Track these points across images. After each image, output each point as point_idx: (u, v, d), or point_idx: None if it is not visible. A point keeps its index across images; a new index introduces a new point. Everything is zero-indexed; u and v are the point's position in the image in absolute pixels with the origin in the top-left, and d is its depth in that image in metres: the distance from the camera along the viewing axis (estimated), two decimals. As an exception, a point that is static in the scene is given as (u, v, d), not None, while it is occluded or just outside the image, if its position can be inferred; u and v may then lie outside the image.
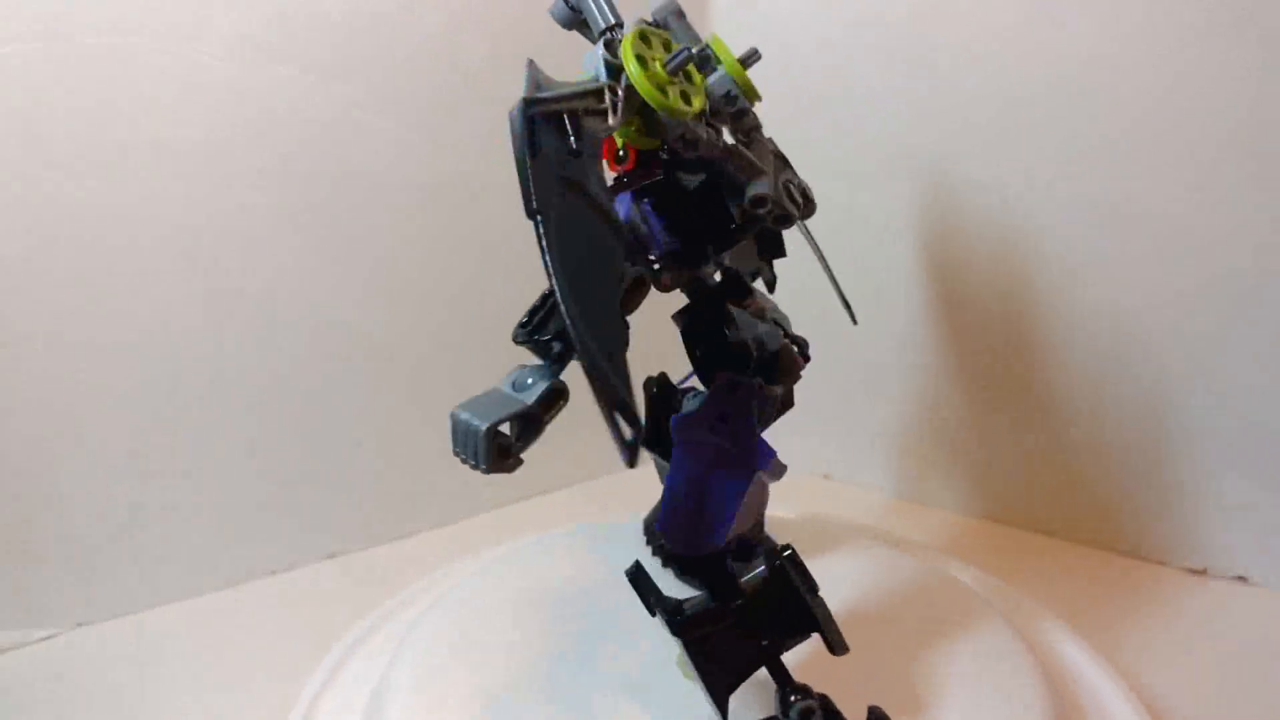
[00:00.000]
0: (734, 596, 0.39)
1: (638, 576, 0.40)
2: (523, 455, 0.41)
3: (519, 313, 0.87)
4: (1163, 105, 0.62)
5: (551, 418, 0.42)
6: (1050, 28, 0.66)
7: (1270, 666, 0.56)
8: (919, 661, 0.47)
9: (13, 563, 0.62)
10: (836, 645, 0.39)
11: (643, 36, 0.38)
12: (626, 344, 0.35)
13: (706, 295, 0.45)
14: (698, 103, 0.39)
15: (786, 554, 0.39)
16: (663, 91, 0.37)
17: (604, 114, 0.36)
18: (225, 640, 0.62)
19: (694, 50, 0.38)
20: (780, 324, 0.46)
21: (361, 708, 0.49)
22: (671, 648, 0.48)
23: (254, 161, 0.67)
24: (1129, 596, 0.64)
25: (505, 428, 0.41)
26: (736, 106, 0.42)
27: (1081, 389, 0.70)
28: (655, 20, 0.45)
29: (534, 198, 0.32)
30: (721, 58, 0.42)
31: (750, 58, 0.43)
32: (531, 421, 0.41)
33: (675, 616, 0.39)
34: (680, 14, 0.45)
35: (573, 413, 0.89)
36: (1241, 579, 0.65)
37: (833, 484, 0.87)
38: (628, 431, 0.30)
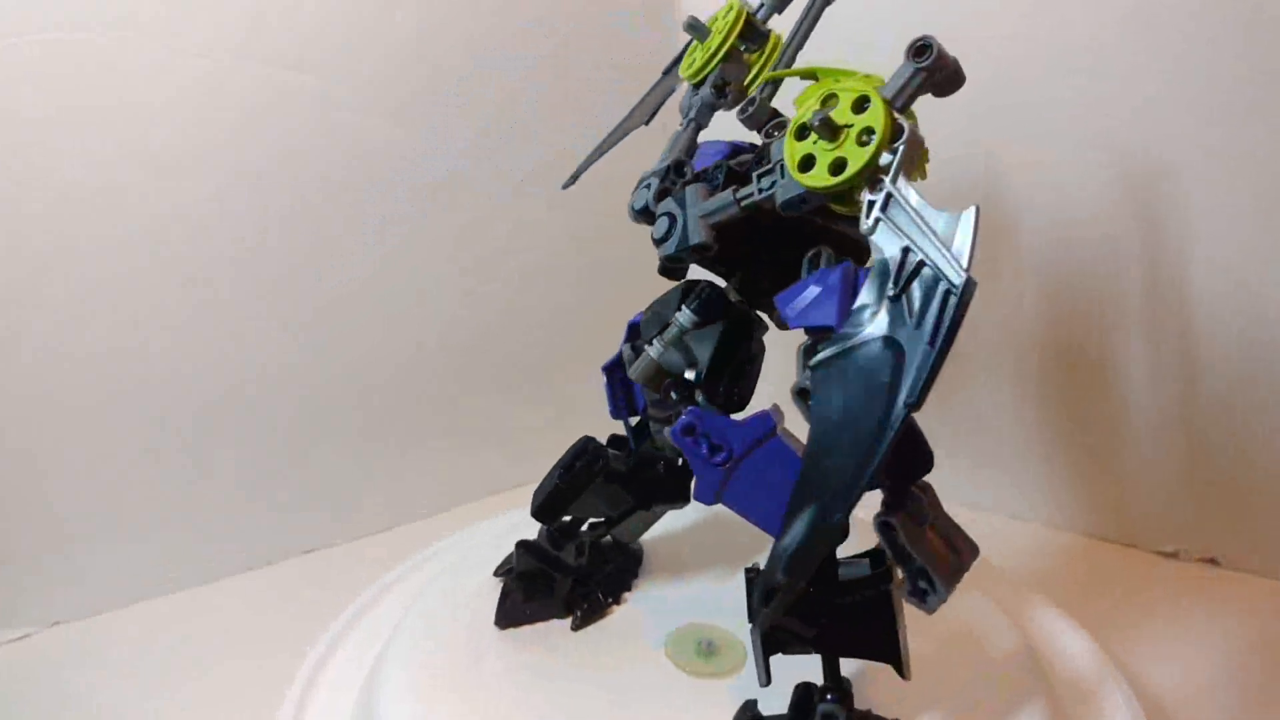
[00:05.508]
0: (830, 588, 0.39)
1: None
2: None
3: (499, 306, 0.87)
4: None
5: None
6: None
7: (1239, 643, 0.57)
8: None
9: (-14, 562, 0.61)
10: (904, 671, 0.39)
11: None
12: None
13: None
14: None
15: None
16: None
17: None
18: (203, 637, 0.62)
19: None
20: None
21: (352, 698, 0.50)
22: (661, 634, 0.48)
23: (231, 159, 0.67)
24: (1106, 577, 0.65)
25: None
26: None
27: (1049, 375, 0.71)
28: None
29: None
30: None
31: None
32: None
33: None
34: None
35: (558, 406, 0.89)
36: (1212, 561, 0.66)
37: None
38: None
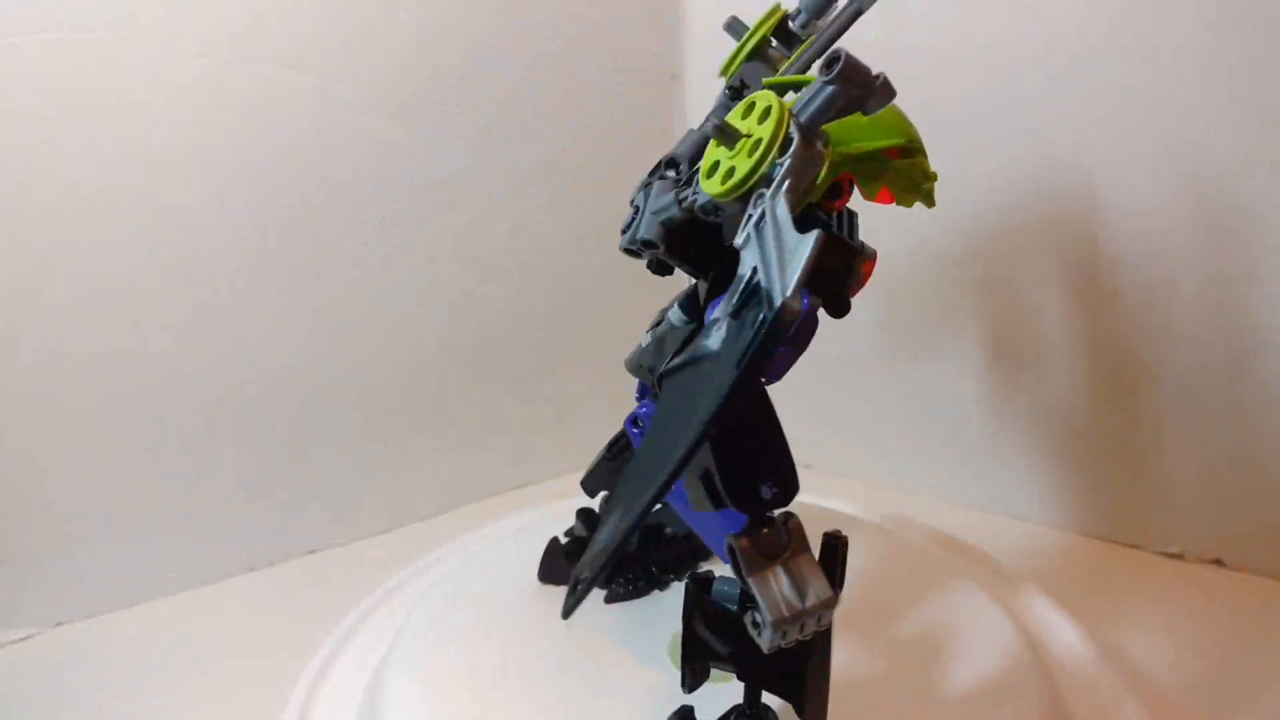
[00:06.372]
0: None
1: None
2: None
3: (499, 306, 0.87)
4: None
5: None
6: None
7: (1244, 644, 0.56)
8: (905, 633, 0.49)
9: (-12, 563, 0.61)
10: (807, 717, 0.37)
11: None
12: None
13: None
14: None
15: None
16: None
17: None
18: (205, 638, 0.62)
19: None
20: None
21: (356, 701, 0.50)
22: (664, 632, 0.48)
23: (231, 159, 0.67)
24: (1110, 578, 0.65)
25: None
26: None
27: (1055, 372, 0.70)
28: None
29: None
30: None
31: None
32: None
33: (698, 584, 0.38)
34: None
35: (558, 406, 0.89)
36: (1218, 562, 0.65)
37: (813, 472, 0.87)
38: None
